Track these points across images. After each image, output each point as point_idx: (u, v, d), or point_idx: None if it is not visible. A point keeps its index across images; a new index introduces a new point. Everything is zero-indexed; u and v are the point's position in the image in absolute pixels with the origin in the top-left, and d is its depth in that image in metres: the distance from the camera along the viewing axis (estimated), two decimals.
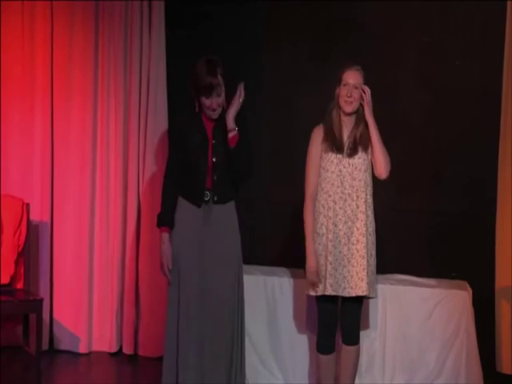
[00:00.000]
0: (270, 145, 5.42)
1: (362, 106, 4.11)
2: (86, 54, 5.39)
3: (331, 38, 5.22)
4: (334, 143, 4.12)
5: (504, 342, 4.78)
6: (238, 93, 3.99)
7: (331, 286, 4.10)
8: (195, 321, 4.06)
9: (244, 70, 5.30)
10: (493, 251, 4.86)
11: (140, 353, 5.35)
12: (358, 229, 4.09)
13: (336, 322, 4.21)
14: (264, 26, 5.39)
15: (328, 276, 4.11)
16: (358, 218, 4.10)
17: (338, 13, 5.23)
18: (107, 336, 5.37)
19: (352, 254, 4.09)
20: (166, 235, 4.15)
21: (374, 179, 4.18)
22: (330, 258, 4.12)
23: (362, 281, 4.06)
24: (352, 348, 4.21)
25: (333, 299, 4.15)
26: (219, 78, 3.99)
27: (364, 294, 4.06)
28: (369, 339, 4.62)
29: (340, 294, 4.10)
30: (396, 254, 4.90)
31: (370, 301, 4.48)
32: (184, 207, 4.14)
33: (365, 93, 4.09)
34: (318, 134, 4.20)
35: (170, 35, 5.40)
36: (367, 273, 4.05)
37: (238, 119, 4.05)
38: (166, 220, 4.17)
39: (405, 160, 4.99)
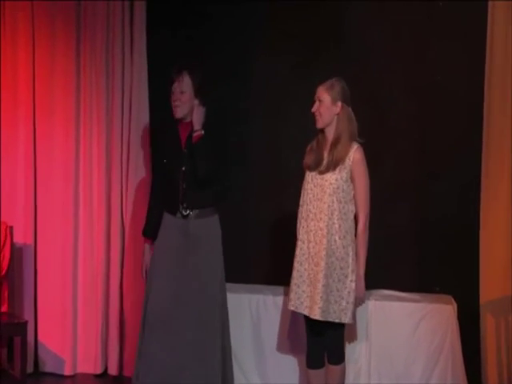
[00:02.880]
0: (254, 160, 5.41)
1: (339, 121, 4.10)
2: (67, 69, 5.39)
3: (330, 41, 5.23)
4: (312, 161, 4.14)
5: (489, 356, 4.77)
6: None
7: (291, 301, 4.12)
8: (164, 334, 4.17)
9: (240, 72, 5.37)
10: (477, 266, 4.86)
11: (125, 374, 5.30)
12: (318, 251, 4.04)
13: (322, 339, 4.18)
14: (262, 28, 5.37)
15: (290, 292, 4.13)
16: (319, 241, 4.05)
17: (340, 18, 5.25)
18: (92, 358, 5.33)
19: (314, 275, 4.05)
20: (146, 246, 4.45)
21: None
22: (293, 274, 4.14)
23: (315, 304, 4.00)
24: (336, 367, 4.18)
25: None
26: (185, 77, 4.25)
27: (316, 318, 4.00)
28: (354, 354, 4.61)
29: (301, 311, 4.09)
30: (380, 270, 4.87)
31: (356, 316, 4.46)
32: (166, 220, 4.32)
33: None
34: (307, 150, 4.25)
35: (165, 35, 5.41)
36: (321, 297, 3.98)
37: (214, 129, 4.27)
38: (146, 231, 4.44)
39: (388, 174, 5.02)
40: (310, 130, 4.26)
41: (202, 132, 4.23)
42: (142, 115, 5.36)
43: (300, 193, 4.22)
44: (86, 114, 5.41)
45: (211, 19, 5.41)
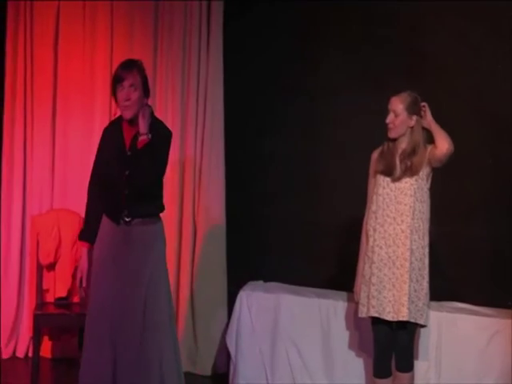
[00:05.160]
0: (323, 165, 5.42)
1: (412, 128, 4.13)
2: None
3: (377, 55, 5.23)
4: (384, 167, 4.18)
5: None
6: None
7: (373, 307, 4.13)
8: (108, 345, 3.92)
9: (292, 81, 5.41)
10: None
11: (194, 371, 5.34)
12: (402, 253, 4.09)
13: (391, 347, 4.21)
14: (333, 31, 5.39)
15: (371, 298, 4.14)
16: (402, 243, 4.09)
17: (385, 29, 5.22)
18: None
19: (396, 279, 4.09)
20: (84, 250, 4.12)
21: (434, 205, 4.16)
22: (373, 280, 4.14)
23: (403, 306, 4.04)
24: (405, 375, 4.19)
25: (387, 323, 4.15)
26: (135, 74, 3.89)
27: (404, 319, 4.04)
28: (423, 367, 4.56)
29: (384, 317, 4.11)
30: (453, 282, 4.84)
31: (426, 328, 4.44)
32: (107, 226, 4.02)
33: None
34: (374, 156, 4.28)
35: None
36: (409, 298, 4.04)
37: (161, 131, 3.97)
38: (84, 235, 4.13)
39: (461, 186, 4.96)
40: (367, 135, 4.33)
41: (150, 137, 3.87)
42: (216, 115, 5.40)
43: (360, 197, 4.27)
44: (161, 112, 5.39)
45: (282, 20, 5.44)
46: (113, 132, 4.02)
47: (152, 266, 3.98)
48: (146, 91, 3.96)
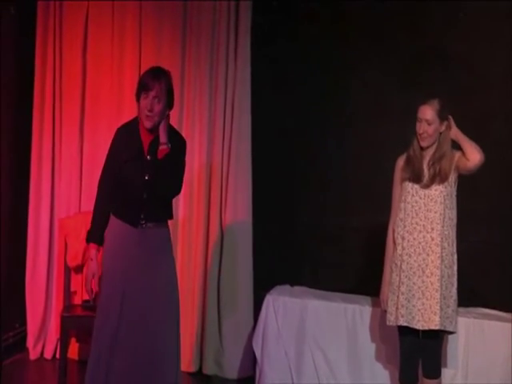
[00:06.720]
0: (350, 170, 5.43)
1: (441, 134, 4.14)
2: (172, 73, 5.44)
3: (418, 64, 5.21)
4: (412, 174, 4.16)
5: None
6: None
7: (403, 316, 4.12)
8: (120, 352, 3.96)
9: (329, 91, 5.40)
10: None
11: (220, 374, 5.38)
12: (432, 261, 4.08)
13: (418, 353, 4.20)
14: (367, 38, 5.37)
15: (400, 307, 4.13)
16: (432, 251, 4.08)
17: (426, 40, 5.22)
18: (187, 356, 5.36)
19: (426, 287, 4.08)
20: (93, 252, 4.10)
21: (460, 211, 4.16)
22: (402, 289, 4.13)
23: (434, 314, 4.04)
24: (432, 382, 4.19)
25: (414, 330, 4.14)
26: (163, 85, 3.89)
27: (437, 327, 4.03)
28: (450, 373, 4.57)
29: (413, 326, 4.10)
30: (481, 288, 4.83)
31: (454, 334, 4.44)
32: (116, 224, 4.02)
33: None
34: (400, 164, 4.26)
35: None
36: (440, 306, 4.04)
37: (177, 140, 4.00)
38: (94, 237, 4.11)
39: (488, 192, 4.94)
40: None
41: (169, 146, 3.90)
42: (243, 121, 5.40)
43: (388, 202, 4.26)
44: (188, 119, 5.46)
45: (314, 23, 5.43)
46: (129, 134, 4.03)
47: (166, 267, 4.03)
48: (169, 103, 3.97)
